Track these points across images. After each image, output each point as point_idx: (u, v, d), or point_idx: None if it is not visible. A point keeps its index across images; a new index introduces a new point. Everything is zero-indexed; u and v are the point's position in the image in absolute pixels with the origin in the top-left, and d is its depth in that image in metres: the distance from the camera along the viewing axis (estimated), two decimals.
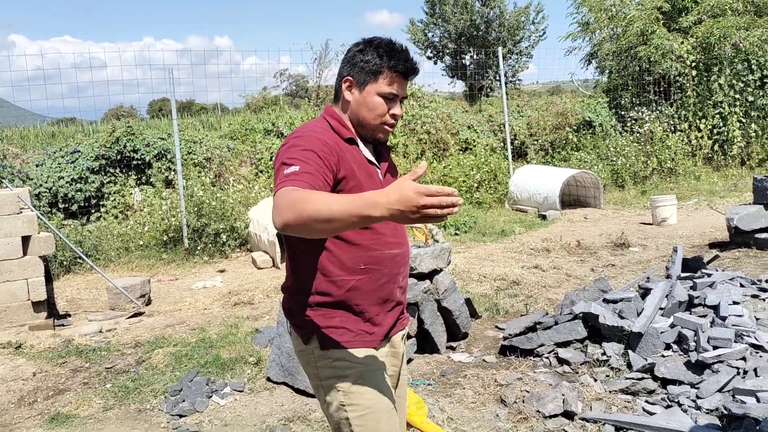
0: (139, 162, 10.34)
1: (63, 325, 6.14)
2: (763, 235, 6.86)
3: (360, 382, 1.96)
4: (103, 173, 10.16)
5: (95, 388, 4.52)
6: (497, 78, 23.15)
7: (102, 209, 9.90)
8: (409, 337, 4.45)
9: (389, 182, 2.06)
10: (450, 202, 1.46)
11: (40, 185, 9.68)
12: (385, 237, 2.00)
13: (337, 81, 2.05)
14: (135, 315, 6.33)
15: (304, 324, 2.00)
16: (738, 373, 3.58)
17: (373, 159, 2.04)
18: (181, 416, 4.00)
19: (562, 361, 4.31)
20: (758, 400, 3.28)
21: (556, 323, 4.57)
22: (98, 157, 10.11)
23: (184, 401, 4.15)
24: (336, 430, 2.02)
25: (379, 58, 1.95)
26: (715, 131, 13.59)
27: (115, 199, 10.01)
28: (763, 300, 4.44)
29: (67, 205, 9.81)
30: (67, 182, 9.82)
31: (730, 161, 13.44)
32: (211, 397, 4.21)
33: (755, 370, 3.57)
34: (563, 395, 3.66)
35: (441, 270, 4.87)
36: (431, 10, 27.24)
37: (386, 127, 2.02)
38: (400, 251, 2.06)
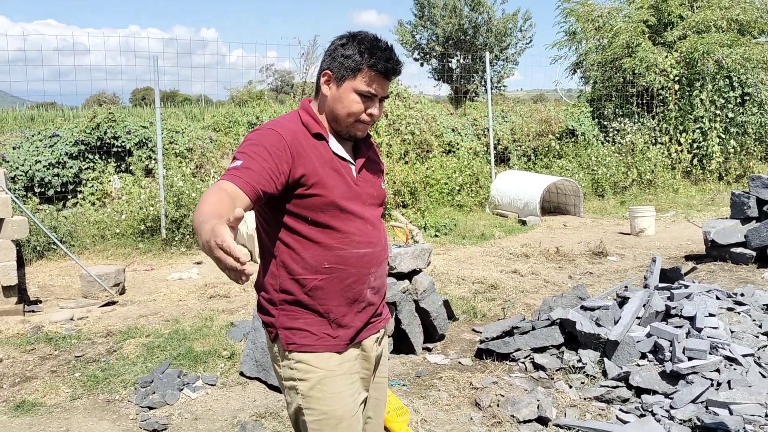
0: (119, 149, 10.19)
1: (33, 311, 6.02)
2: (739, 250, 6.94)
3: (319, 387, 1.94)
4: (81, 159, 9.99)
5: (63, 377, 4.43)
6: (483, 83, 23.25)
7: (79, 195, 9.73)
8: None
9: (365, 178, 2.03)
10: (231, 265, 1.44)
11: (16, 168, 9.50)
12: (352, 236, 1.95)
13: (318, 74, 2.00)
14: (108, 304, 6.23)
15: (270, 322, 1.99)
16: (712, 385, 3.60)
17: (345, 155, 1.98)
18: (150, 408, 3.93)
19: (537, 367, 4.31)
20: (731, 413, 3.30)
21: (534, 328, 4.57)
22: (77, 142, 9.94)
23: (154, 393, 4.07)
24: (296, 430, 2.03)
25: (360, 55, 1.89)
26: (694, 145, 13.76)
27: (93, 186, 9.84)
28: (738, 313, 4.48)
29: (43, 190, 9.63)
30: (44, 166, 9.64)
31: (708, 176, 13.62)
32: (182, 390, 4.14)
33: (729, 382, 3.59)
34: (538, 401, 3.66)
35: (420, 270, 4.85)
36: (420, 12, 27.24)
37: (361, 124, 1.96)
38: (371, 251, 2.00)
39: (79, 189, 9.81)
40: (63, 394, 4.16)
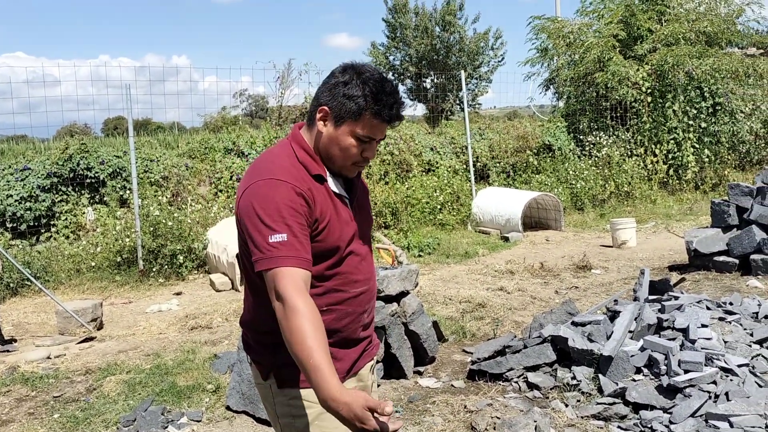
0: (93, 180, 9.99)
1: (8, 351, 5.79)
2: (722, 258, 6.96)
3: (317, 423, 1.86)
4: (54, 192, 9.77)
5: (41, 419, 4.23)
6: (458, 101, 23.41)
7: (53, 229, 9.50)
8: (376, 362, 4.31)
9: (359, 211, 1.95)
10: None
11: None
12: (350, 275, 1.87)
13: (313, 104, 1.87)
14: (86, 340, 6.03)
15: (262, 360, 1.90)
16: (710, 398, 3.54)
17: (341, 191, 1.90)
18: None
19: (531, 386, 4.22)
20: (731, 425, 3.25)
21: (525, 347, 4.49)
22: (50, 174, 9.73)
23: None
24: None
25: (364, 99, 1.76)
26: (669, 156, 13.92)
27: (66, 219, 9.62)
28: (729, 323, 4.45)
29: (15, 225, 9.38)
30: (15, 200, 9.41)
31: (685, 185, 13.76)
32: (166, 427, 3.98)
33: (726, 394, 3.54)
34: (535, 422, 3.57)
35: (408, 292, 4.76)
36: (392, 33, 27.47)
37: (355, 166, 1.87)
38: (366, 288, 1.93)
39: (52, 222, 9.58)
40: None
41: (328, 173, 1.86)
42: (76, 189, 9.92)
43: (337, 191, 1.88)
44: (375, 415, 1.52)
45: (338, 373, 1.86)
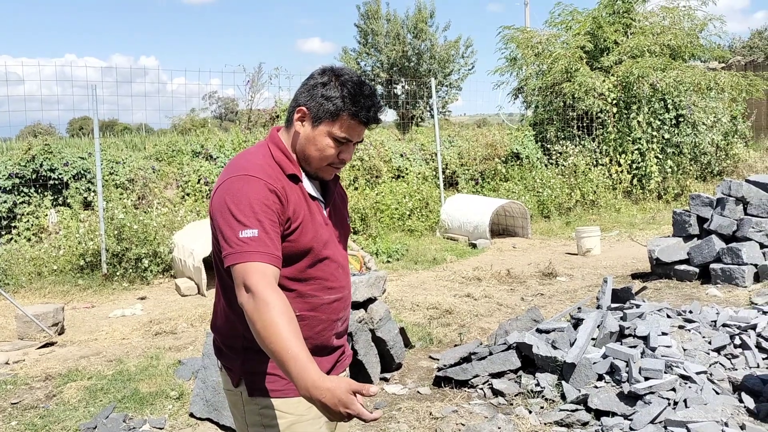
0: (56, 182, 9.79)
1: None
2: (683, 267, 7.12)
3: None
4: (16, 193, 9.55)
5: None
6: (429, 108, 23.54)
7: (14, 231, 9.28)
8: None
9: (335, 216, 1.96)
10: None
11: None
12: (325, 282, 1.87)
13: (291, 105, 1.89)
14: (46, 345, 5.90)
15: (233, 366, 1.88)
16: (669, 404, 3.62)
17: (317, 194, 1.91)
18: None
19: (496, 392, 4.27)
20: None
21: (491, 353, 4.53)
22: (11, 175, 9.50)
23: None
24: None
25: (342, 100, 1.79)
26: (633, 166, 14.19)
27: (28, 221, 9.41)
28: (689, 331, 4.55)
29: None
30: None
31: (648, 195, 14.04)
32: None
33: (685, 401, 3.62)
34: (499, 428, 3.61)
35: (376, 299, 4.77)
36: (364, 39, 27.55)
37: (331, 168, 1.88)
38: (341, 295, 1.93)
39: (13, 224, 9.36)
40: None
41: (303, 175, 1.87)
42: (39, 190, 9.72)
43: (312, 194, 1.88)
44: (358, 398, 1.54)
45: None
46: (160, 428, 4.03)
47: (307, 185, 1.88)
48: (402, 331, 5.19)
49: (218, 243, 1.78)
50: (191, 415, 4.17)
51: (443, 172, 12.88)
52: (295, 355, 1.55)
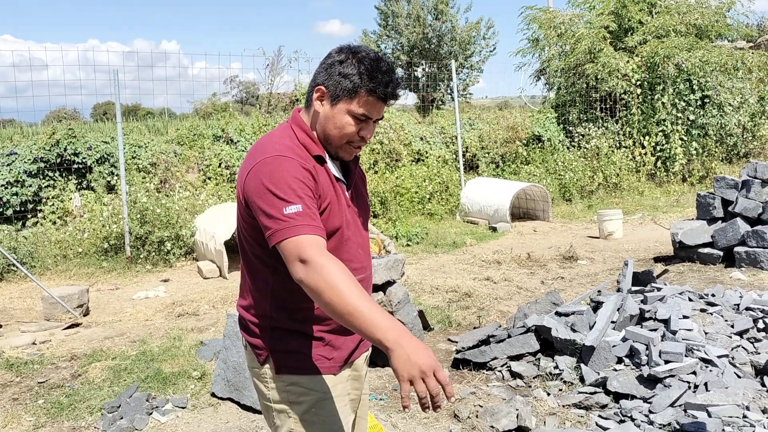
0: (80, 166, 9.94)
1: None
2: (706, 250, 7.03)
3: (314, 411, 1.86)
4: (41, 177, 9.71)
5: (26, 405, 4.24)
6: (449, 91, 23.37)
7: (39, 214, 9.45)
8: None
9: (356, 198, 1.96)
10: (434, 394, 1.51)
11: None
12: (350, 263, 1.84)
13: (310, 86, 1.89)
14: (71, 326, 6.02)
15: (260, 344, 1.89)
16: (689, 388, 3.59)
17: (340, 176, 1.91)
18: None
19: (515, 375, 4.27)
20: (710, 415, 3.30)
21: (509, 336, 4.53)
22: (36, 159, 9.66)
23: (122, 418, 3.92)
24: None
25: (359, 77, 1.78)
26: (657, 148, 13.99)
27: (53, 204, 9.57)
28: (711, 314, 4.50)
29: (1, 210, 9.32)
30: (2, 185, 9.34)
31: (672, 177, 13.84)
32: (151, 414, 3.99)
33: (705, 384, 3.59)
34: (517, 410, 3.61)
35: (394, 282, 4.79)
36: (384, 21, 27.38)
37: (351, 147, 1.88)
38: (364, 276, 1.93)
39: (39, 208, 9.53)
40: (26, 423, 3.98)
41: (327, 156, 1.88)
42: (63, 174, 9.87)
43: (336, 175, 1.89)
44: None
45: (335, 363, 1.89)
46: (183, 407, 4.10)
47: (331, 166, 1.88)
48: (421, 313, 5.20)
49: (249, 227, 1.81)
50: (213, 394, 4.23)
51: (463, 156, 12.82)
52: (372, 312, 1.56)
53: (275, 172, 1.72)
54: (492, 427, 3.55)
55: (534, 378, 4.20)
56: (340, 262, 1.64)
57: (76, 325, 6.08)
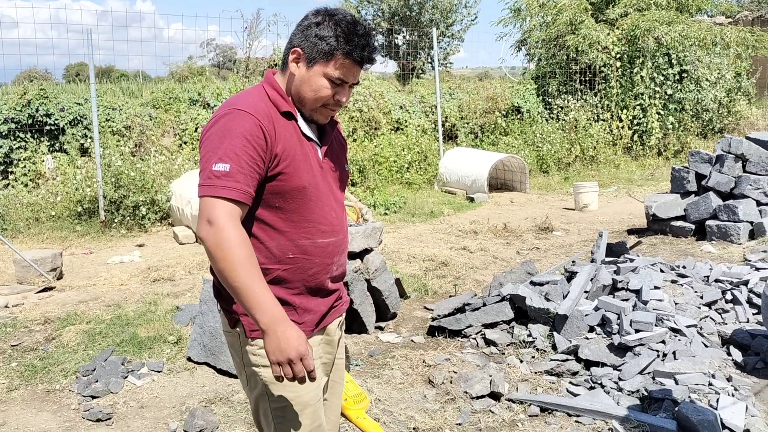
0: (53, 128, 9.72)
1: None
2: (679, 223, 7.15)
3: None
4: (12, 138, 9.49)
5: None
6: (430, 60, 23.21)
7: (10, 176, 9.26)
8: None
9: (331, 160, 1.95)
10: (299, 376, 1.68)
11: None
12: (318, 225, 1.87)
13: (286, 48, 1.87)
14: (45, 290, 5.96)
15: (231, 309, 1.90)
16: (658, 356, 3.69)
17: (312, 135, 1.89)
18: (93, 397, 3.78)
19: (489, 342, 4.33)
20: (677, 383, 3.39)
21: (484, 305, 4.59)
22: (7, 120, 9.42)
23: (97, 381, 3.91)
24: (256, 417, 1.96)
25: (335, 39, 1.77)
26: (635, 122, 14.09)
27: (25, 166, 9.38)
28: (681, 285, 4.60)
29: None
30: None
31: (648, 151, 13.97)
32: (126, 377, 3.99)
33: (674, 353, 3.68)
34: (490, 376, 3.67)
35: (372, 249, 4.80)
36: None
37: (327, 109, 1.87)
38: (335, 239, 1.93)
39: (10, 170, 9.33)
40: None
41: (299, 115, 1.87)
42: (35, 136, 9.65)
43: (307, 134, 1.88)
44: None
45: (307, 326, 1.90)
46: (158, 371, 4.11)
47: (303, 125, 1.88)
48: (398, 281, 5.24)
49: None
50: (189, 359, 4.24)
51: (443, 125, 12.78)
52: (257, 290, 1.64)
53: (224, 126, 1.73)
54: (465, 392, 3.61)
55: (507, 345, 4.27)
56: (245, 235, 1.68)
57: (50, 288, 6.02)
